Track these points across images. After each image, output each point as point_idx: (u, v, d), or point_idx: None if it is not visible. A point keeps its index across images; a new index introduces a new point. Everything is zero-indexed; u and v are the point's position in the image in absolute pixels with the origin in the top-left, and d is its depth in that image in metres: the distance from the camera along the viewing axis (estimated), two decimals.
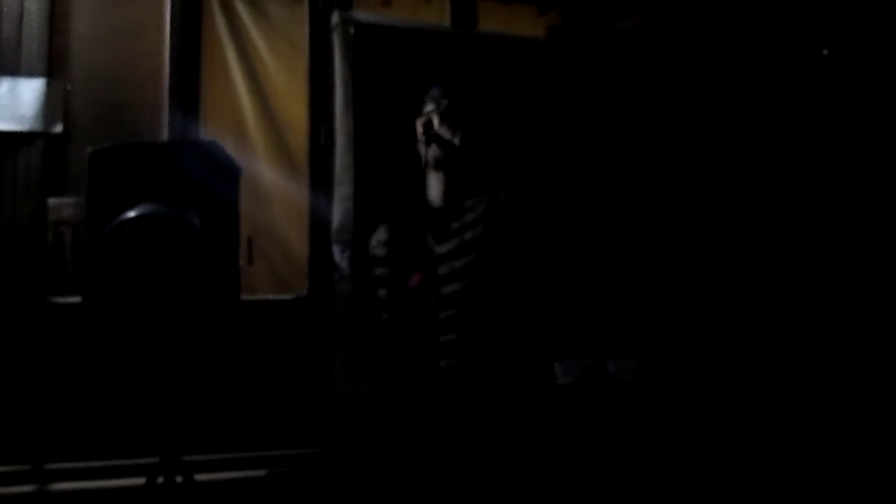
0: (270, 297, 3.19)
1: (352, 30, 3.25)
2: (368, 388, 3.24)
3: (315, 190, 3.21)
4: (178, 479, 2.50)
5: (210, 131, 3.12)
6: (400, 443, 3.16)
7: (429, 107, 2.66)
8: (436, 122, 2.63)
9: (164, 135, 3.10)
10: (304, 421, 3.16)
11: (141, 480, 2.50)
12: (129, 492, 2.63)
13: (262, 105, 3.24)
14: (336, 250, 3.19)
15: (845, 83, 3.91)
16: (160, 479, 2.48)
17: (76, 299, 2.57)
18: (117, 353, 2.88)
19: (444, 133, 2.62)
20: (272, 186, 3.23)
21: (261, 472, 2.98)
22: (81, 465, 2.85)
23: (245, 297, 2.75)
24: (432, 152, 2.66)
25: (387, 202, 3.21)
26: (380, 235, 2.72)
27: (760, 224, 3.70)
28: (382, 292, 2.69)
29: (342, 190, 3.20)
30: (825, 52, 3.84)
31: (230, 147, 2.67)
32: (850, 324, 3.68)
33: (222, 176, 2.60)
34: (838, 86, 3.90)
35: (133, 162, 2.52)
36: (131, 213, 2.42)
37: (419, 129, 2.69)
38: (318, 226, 3.19)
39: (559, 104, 3.43)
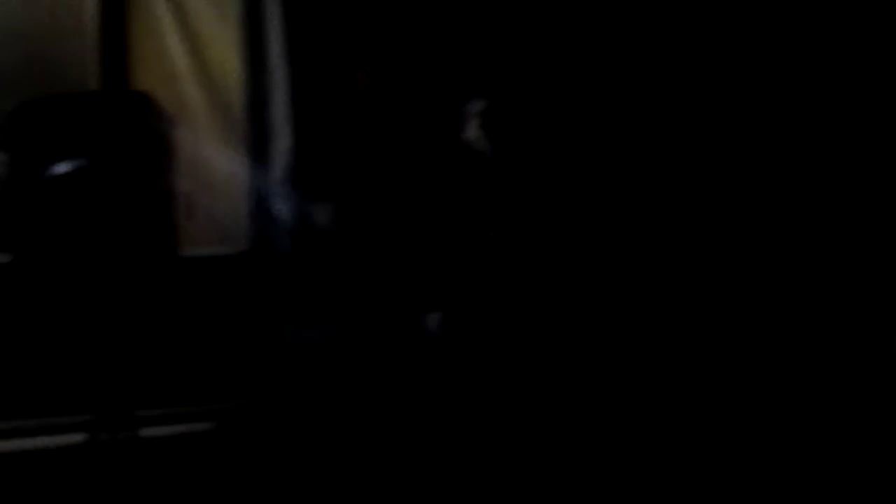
0: (211, 251, 3.16)
1: None
2: (317, 339, 3.26)
3: (253, 143, 3.16)
4: (122, 434, 2.50)
5: (140, 84, 3.03)
6: (349, 394, 3.20)
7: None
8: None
9: (92, 85, 3.00)
10: (250, 374, 3.16)
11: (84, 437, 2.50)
12: (73, 449, 2.62)
13: (195, 55, 3.15)
14: (277, 203, 3.17)
15: None
16: (103, 436, 2.49)
17: (5, 258, 2.51)
18: (52, 312, 2.83)
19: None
20: (209, 139, 3.17)
21: (207, 426, 2.99)
22: (22, 423, 2.82)
23: (185, 252, 2.73)
24: None
25: (328, 155, 3.20)
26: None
27: None
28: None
29: (281, 143, 3.17)
30: None
31: (162, 100, 2.62)
32: None
33: (154, 129, 2.57)
34: None
35: (61, 115, 2.47)
36: (61, 168, 2.38)
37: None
38: (258, 179, 3.15)
39: None
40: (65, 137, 2.41)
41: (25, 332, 2.85)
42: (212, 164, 3.22)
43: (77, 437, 2.52)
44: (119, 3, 3.05)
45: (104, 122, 2.49)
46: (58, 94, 2.68)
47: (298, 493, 2.70)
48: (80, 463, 2.50)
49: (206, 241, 3.17)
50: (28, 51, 2.97)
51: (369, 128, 3.18)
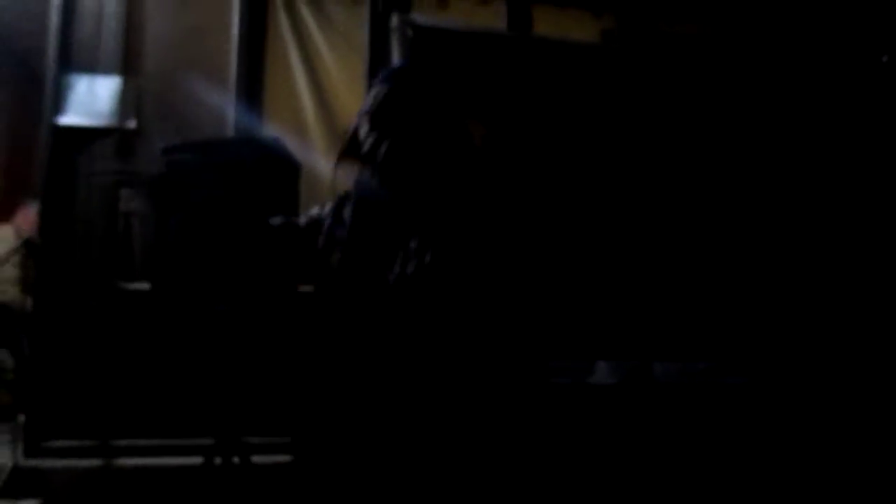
0: None
1: (410, 32, 3.33)
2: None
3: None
4: (236, 459, 2.62)
5: (272, 128, 3.24)
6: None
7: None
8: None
9: (230, 131, 3.24)
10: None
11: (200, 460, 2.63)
12: (190, 470, 2.76)
13: (323, 104, 3.35)
14: None
15: None
16: (217, 460, 2.61)
17: (144, 286, 2.71)
18: (182, 337, 3.01)
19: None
20: (330, 182, 3.34)
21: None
22: (146, 442, 3.00)
23: (300, 288, 2.87)
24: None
25: (442, 204, 3.30)
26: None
27: (812, 232, 3.67)
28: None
29: None
30: (885, 58, 3.78)
31: (291, 144, 2.79)
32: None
33: (283, 171, 2.72)
34: None
35: (201, 158, 2.66)
36: (198, 206, 2.56)
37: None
38: None
39: (613, 107, 3.45)
40: (203, 179, 2.60)
41: (157, 354, 3.05)
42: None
43: (196, 460, 2.66)
44: (258, 51, 3.30)
45: (238, 164, 2.66)
46: (199, 139, 2.91)
47: None
48: (196, 484, 2.63)
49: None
50: (176, 92, 3.23)
51: (484, 177, 3.27)
